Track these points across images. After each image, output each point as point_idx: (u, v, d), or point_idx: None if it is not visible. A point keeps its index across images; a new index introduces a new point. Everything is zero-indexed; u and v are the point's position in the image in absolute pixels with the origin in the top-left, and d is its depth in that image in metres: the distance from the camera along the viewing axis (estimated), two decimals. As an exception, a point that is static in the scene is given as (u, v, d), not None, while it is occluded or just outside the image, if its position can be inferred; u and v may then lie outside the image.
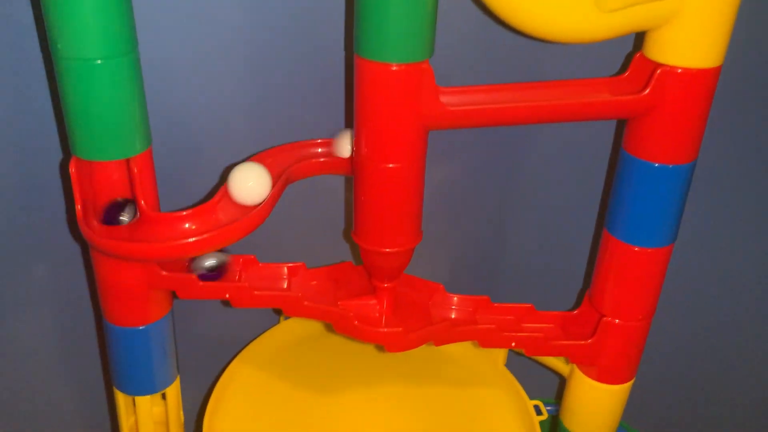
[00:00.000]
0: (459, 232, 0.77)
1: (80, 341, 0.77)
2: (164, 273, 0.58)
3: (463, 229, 0.77)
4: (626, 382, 0.67)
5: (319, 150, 0.64)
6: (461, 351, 0.79)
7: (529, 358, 0.76)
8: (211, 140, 0.66)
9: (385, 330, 0.60)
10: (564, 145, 0.71)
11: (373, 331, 0.61)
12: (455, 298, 0.67)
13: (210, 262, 0.60)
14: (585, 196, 0.74)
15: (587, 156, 0.72)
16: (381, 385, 0.76)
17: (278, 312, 0.82)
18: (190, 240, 0.52)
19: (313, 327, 0.82)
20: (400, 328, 0.60)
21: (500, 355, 0.77)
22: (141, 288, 0.58)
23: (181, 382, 0.68)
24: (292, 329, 0.81)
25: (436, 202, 0.74)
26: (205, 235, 0.52)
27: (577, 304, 0.68)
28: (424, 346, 0.80)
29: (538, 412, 0.72)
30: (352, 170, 0.59)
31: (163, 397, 0.67)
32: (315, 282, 0.66)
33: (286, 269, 0.65)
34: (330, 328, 0.82)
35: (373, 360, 0.79)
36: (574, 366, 0.69)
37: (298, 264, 0.65)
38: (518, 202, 0.76)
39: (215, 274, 0.60)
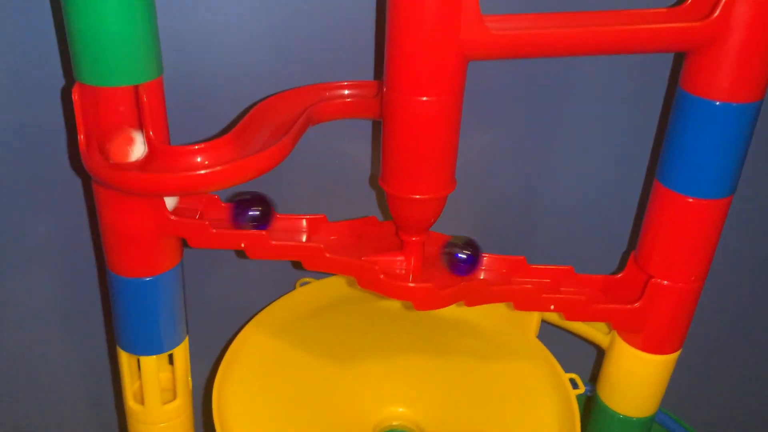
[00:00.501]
0: (492, 189, 0.72)
1: (82, 298, 0.72)
2: (173, 218, 0.53)
3: (497, 184, 0.72)
4: (673, 352, 0.62)
5: (346, 92, 0.59)
6: (489, 323, 0.74)
7: (563, 331, 0.71)
8: (229, 75, 0.62)
9: (414, 285, 0.55)
10: (612, 88, 0.66)
11: (400, 286, 0.55)
12: (488, 259, 0.62)
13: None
14: (634, 144, 0.68)
15: (638, 99, 0.66)
16: (403, 358, 0.71)
17: (297, 266, 0.76)
18: (201, 172, 0.47)
19: (332, 294, 0.77)
20: (430, 284, 0.55)
21: (532, 326, 0.72)
22: (148, 234, 0.53)
23: (191, 353, 0.63)
24: (308, 296, 0.76)
25: (471, 159, 0.68)
26: (217, 168, 0.47)
27: (621, 268, 0.63)
28: (449, 317, 0.75)
29: (575, 385, 0.67)
30: (381, 110, 0.54)
31: (170, 361, 0.62)
32: (336, 237, 0.61)
33: (305, 222, 0.60)
34: (349, 296, 0.77)
35: (394, 331, 0.74)
36: (616, 335, 0.63)
37: (318, 216, 0.60)
38: (558, 155, 0.70)
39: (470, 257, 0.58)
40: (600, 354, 0.72)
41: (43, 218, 0.67)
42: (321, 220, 0.60)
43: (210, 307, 0.76)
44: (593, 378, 0.80)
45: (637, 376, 0.63)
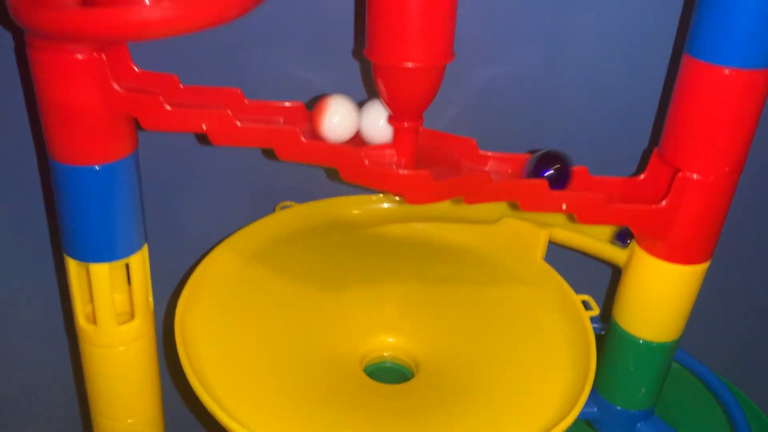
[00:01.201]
0: (497, 80, 0.64)
1: (22, 200, 0.64)
2: (121, 90, 0.45)
3: (502, 74, 0.64)
4: (702, 262, 0.54)
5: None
6: (490, 248, 0.67)
7: (572, 253, 0.63)
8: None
9: (406, 172, 0.47)
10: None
11: (388, 174, 0.48)
12: (491, 158, 0.54)
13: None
14: (657, 19, 0.60)
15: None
16: (393, 286, 0.64)
17: (278, 189, 0.69)
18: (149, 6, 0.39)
19: (315, 219, 0.70)
20: (425, 171, 0.47)
21: (538, 248, 0.64)
22: (93, 109, 0.46)
23: (154, 281, 0.55)
24: (289, 220, 0.69)
25: (474, 44, 0.60)
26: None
27: (642, 170, 0.55)
28: (445, 243, 0.68)
29: (588, 307, 0.59)
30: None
31: (128, 277, 0.54)
32: (317, 128, 0.53)
33: (281, 109, 0.52)
34: (335, 221, 0.69)
35: (383, 259, 0.66)
36: (635, 247, 0.56)
37: (296, 104, 0.52)
38: (571, 38, 0.62)
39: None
40: (613, 283, 0.65)
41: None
42: (299, 109, 0.52)
43: (177, 231, 0.68)
44: (604, 317, 0.72)
45: (661, 292, 0.55)
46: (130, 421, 0.58)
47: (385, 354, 0.61)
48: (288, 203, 0.69)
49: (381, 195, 0.71)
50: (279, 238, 0.67)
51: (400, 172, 0.47)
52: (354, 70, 0.63)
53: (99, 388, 0.57)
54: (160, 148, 0.64)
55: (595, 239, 0.61)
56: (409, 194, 0.48)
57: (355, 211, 0.70)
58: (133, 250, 0.52)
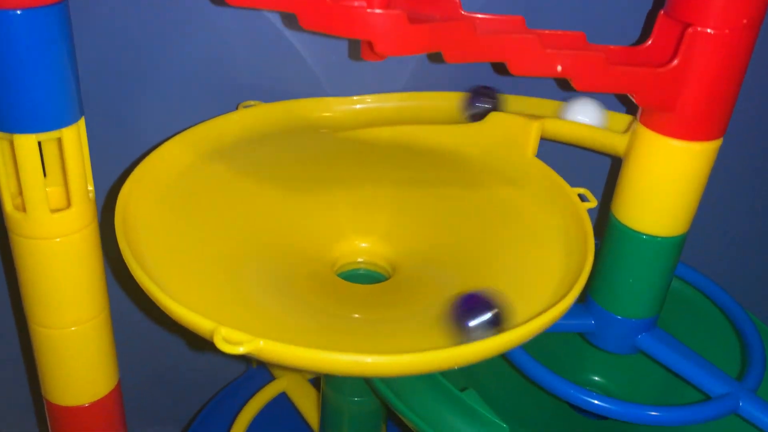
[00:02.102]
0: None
1: None
2: None
3: None
4: (715, 138, 0.48)
5: None
6: (475, 150, 0.60)
7: (566, 151, 0.57)
8: None
9: (377, 11, 0.41)
10: None
11: (356, 14, 0.41)
12: (479, 16, 0.48)
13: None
14: None
15: None
16: (368, 188, 0.58)
17: (240, 87, 0.62)
18: None
19: (283, 119, 0.63)
20: (399, 11, 0.40)
21: (530, 142, 0.58)
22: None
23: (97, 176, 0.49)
24: (252, 119, 0.62)
25: None
26: None
27: (644, 38, 0.49)
28: (426, 147, 0.61)
29: (584, 199, 0.53)
30: None
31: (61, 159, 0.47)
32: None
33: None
34: (305, 123, 0.63)
35: (358, 162, 0.61)
36: (637, 129, 0.49)
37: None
38: None
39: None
40: (610, 183, 0.59)
41: None
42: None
43: (126, 125, 0.61)
44: (598, 230, 0.66)
45: (667, 176, 0.49)
46: (73, 328, 0.52)
47: (359, 260, 0.56)
48: (252, 102, 0.62)
49: (356, 97, 0.64)
50: (241, 136, 0.60)
51: (369, 11, 0.41)
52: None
53: (34, 289, 0.50)
54: (114, 35, 0.57)
55: (592, 127, 0.55)
56: (379, 39, 0.41)
57: (327, 114, 0.64)
58: (66, 121, 0.45)
